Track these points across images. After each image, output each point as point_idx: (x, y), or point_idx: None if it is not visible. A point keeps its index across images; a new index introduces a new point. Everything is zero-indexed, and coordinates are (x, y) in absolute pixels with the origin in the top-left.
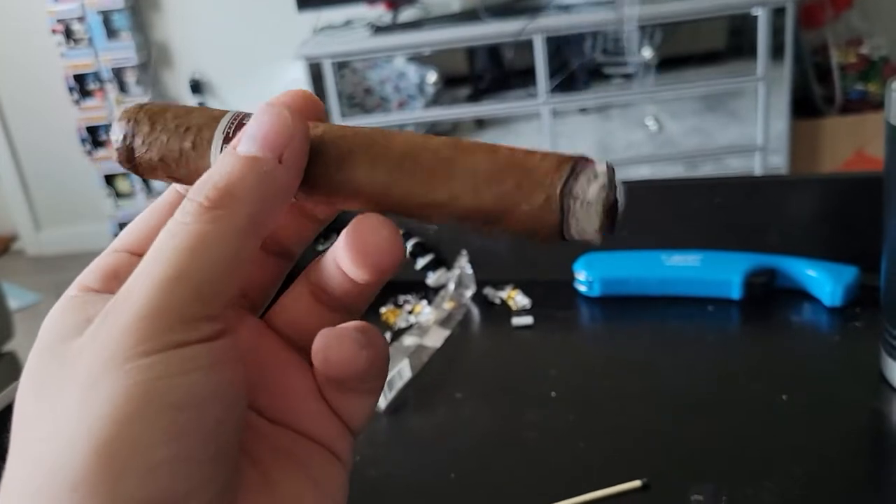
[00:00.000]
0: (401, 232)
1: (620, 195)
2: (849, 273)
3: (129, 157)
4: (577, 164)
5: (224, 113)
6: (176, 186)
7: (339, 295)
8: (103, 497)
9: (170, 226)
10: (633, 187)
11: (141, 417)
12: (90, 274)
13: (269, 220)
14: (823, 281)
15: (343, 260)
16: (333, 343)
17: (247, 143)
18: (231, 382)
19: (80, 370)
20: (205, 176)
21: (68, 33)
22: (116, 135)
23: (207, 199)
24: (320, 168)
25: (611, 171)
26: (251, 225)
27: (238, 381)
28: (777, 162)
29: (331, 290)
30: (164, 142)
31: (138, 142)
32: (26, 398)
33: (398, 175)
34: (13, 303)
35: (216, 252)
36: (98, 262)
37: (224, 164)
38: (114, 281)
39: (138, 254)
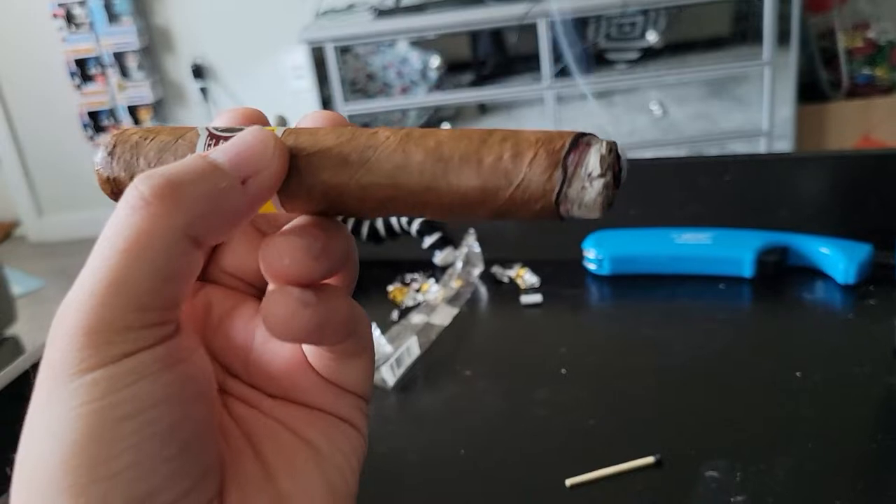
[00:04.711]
0: (320, 250)
1: (623, 165)
2: (862, 250)
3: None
4: (568, 167)
5: (194, 141)
6: None
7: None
8: (83, 500)
9: (109, 223)
10: (644, 166)
11: (93, 438)
12: None
13: (209, 234)
14: (837, 258)
15: None
16: (268, 304)
17: (219, 152)
18: (185, 379)
19: (41, 383)
20: (161, 166)
21: (69, 18)
22: (104, 187)
23: (151, 189)
24: (310, 205)
25: (607, 160)
26: (186, 234)
27: (194, 374)
28: (782, 147)
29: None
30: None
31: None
32: None
33: (386, 201)
34: (16, 288)
35: (149, 259)
36: None
37: (186, 161)
38: None
39: None
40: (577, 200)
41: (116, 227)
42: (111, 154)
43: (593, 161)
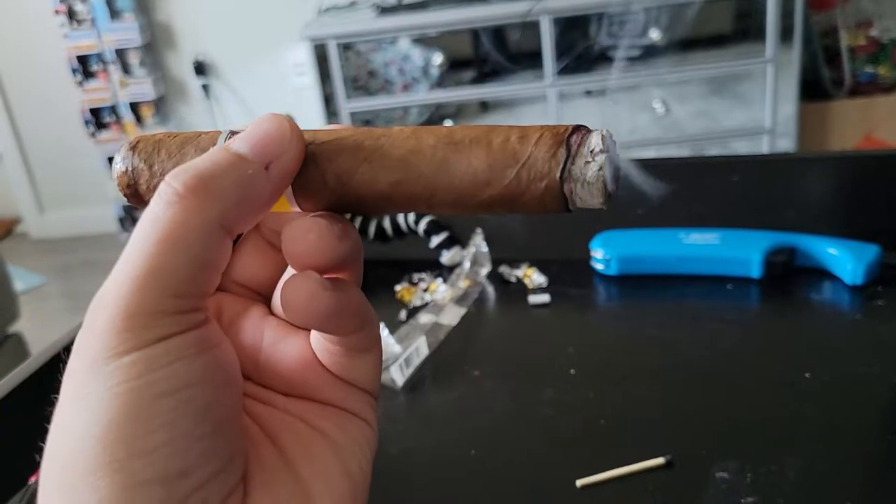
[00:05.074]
0: (340, 232)
1: (620, 160)
2: (870, 251)
3: (137, 200)
4: (572, 145)
5: (215, 138)
6: None
7: None
8: (118, 478)
9: (143, 219)
10: (651, 166)
11: (131, 415)
12: None
13: (240, 222)
14: (844, 259)
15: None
16: (289, 285)
17: (240, 142)
18: (216, 364)
19: (74, 370)
20: (190, 161)
21: (71, 14)
22: (120, 181)
23: (183, 184)
24: (323, 190)
25: (607, 141)
26: (220, 224)
27: (223, 361)
28: (785, 145)
29: None
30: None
31: (143, 187)
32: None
33: (399, 186)
34: (18, 285)
35: (185, 248)
36: None
37: (211, 154)
38: None
39: None
40: (580, 178)
41: (153, 220)
42: (133, 148)
43: (595, 140)
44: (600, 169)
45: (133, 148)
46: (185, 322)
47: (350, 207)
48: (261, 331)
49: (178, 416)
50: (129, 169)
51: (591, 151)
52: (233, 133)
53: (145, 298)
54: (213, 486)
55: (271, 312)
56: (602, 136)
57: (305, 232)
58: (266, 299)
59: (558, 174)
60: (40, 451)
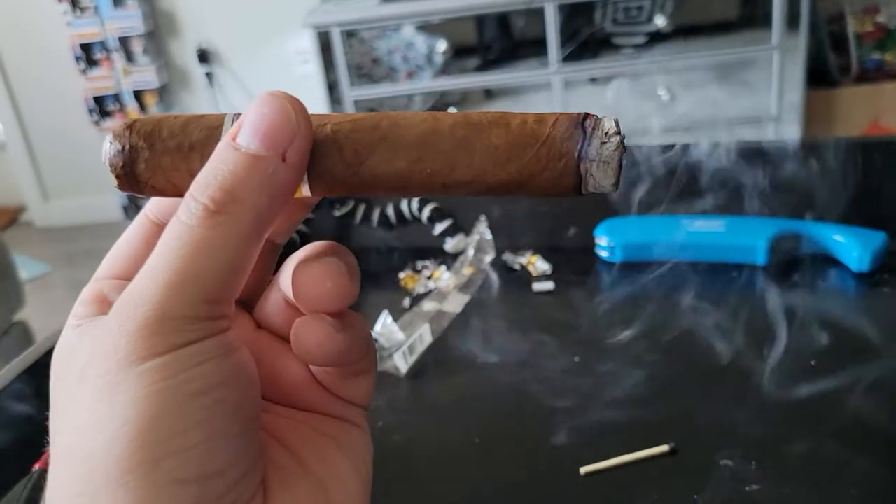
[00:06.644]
0: (350, 271)
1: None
2: (877, 238)
3: (132, 183)
4: (587, 128)
5: (220, 118)
6: (146, 212)
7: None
8: (151, 478)
9: (174, 226)
10: (656, 152)
11: (167, 412)
12: (81, 306)
13: (272, 220)
14: (851, 246)
15: (292, 299)
16: (304, 329)
17: (248, 136)
18: (243, 365)
19: (92, 371)
20: (207, 170)
21: (74, 2)
22: (114, 161)
23: (213, 201)
24: (338, 167)
25: (619, 126)
26: (255, 228)
27: (248, 362)
28: (790, 132)
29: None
30: (169, 164)
31: (141, 167)
32: (54, 406)
33: (418, 163)
34: (23, 273)
35: (221, 256)
36: (85, 292)
37: (227, 160)
38: (105, 304)
39: (123, 279)
40: (597, 158)
41: (186, 228)
42: (130, 127)
43: (608, 123)
44: (616, 149)
45: (130, 127)
46: (213, 327)
47: (364, 188)
48: (255, 345)
49: (213, 415)
50: (126, 148)
51: (606, 133)
52: (237, 114)
53: (179, 303)
54: (243, 485)
55: (258, 325)
56: (614, 120)
57: (321, 279)
58: (246, 306)
59: (576, 153)
60: (44, 438)
